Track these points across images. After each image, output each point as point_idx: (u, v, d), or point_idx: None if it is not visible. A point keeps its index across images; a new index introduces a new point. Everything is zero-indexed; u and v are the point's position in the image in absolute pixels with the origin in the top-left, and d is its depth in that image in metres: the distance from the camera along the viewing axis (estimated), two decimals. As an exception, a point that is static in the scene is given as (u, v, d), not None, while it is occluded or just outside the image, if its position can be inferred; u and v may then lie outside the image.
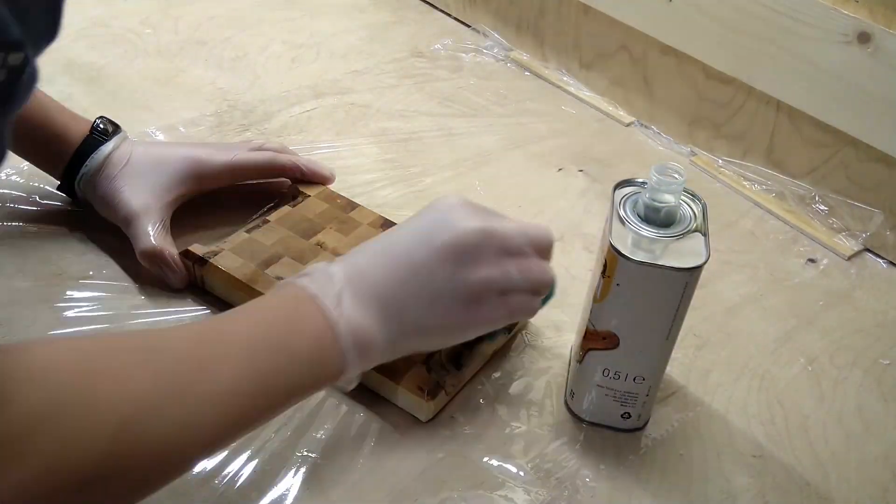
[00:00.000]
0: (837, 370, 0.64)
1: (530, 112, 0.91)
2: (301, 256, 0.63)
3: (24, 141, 0.64)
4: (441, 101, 0.91)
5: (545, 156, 0.84)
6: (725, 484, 0.54)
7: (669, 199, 0.50)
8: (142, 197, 0.63)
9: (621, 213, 0.50)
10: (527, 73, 0.98)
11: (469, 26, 1.06)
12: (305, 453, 0.53)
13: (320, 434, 0.54)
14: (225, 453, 0.52)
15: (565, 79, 0.96)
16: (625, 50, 0.89)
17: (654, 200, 0.50)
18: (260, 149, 0.71)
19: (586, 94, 0.95)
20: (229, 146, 0.71)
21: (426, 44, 1.02)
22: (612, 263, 0.49)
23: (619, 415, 0.56)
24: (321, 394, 0.56)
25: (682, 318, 0.51)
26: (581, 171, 0.83)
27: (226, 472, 0.51)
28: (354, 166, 0.79)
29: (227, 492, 0.50)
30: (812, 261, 0.75)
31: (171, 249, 0.62)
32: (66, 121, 0.65)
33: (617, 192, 0.52)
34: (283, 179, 0.72)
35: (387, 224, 0.67)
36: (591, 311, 0.52)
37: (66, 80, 0.85)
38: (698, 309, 0.68)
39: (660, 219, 0.50)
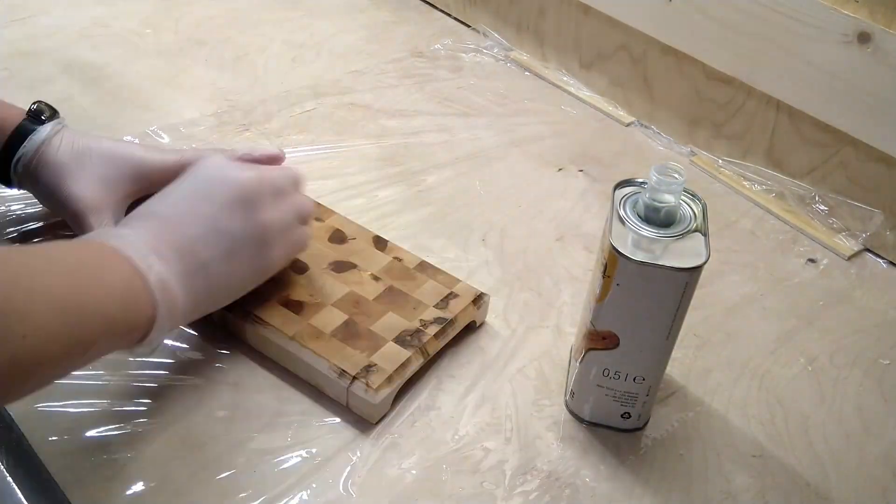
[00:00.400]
0: (837, 370, 0.64)
1: (530, 112, 0.91)
2: None
3: None
4: (441, 101, 0.91)
5: (545, 156, 0.84)
6: (725, 484, 0.54)
7: (669, 199, 0.50)
8: (92, 191, 0.60)
9: (621, 213, 0.50)
10: (527, 73, 0.98)
11: (469, 26, 1.06)
12: None
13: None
14: None
15: (565, 79, 0.96)
16: (625, 50, 0.89)
17: (654, 200, 0.50)
18: (251, 157, 0.64)
19: (586, 93, 0.95)
20: (174, 150, 0.67)
21: (426, 44, 1.02)
22: (613, 263, 0.49)
23: (619, 415, 0.56)
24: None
25: (682, 318, 0.51)
26: (581, 171, 0.83)
27: None
28: (354, 167, 0.79)
29: None
30: (812, 261, 0.75)
31: None
32: (1, 106, 0.62)
33: (617, 192, 0.52)
34: None
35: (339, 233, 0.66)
36: (591, 311, 0.52)
37: (66, 80, 0.85)
38: (698, 309, 0.68)
39: (660, 219, 0.50)
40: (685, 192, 0.52)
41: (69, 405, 0.53)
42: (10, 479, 0.52)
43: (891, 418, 0.60)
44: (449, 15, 1.08)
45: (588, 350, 0.53)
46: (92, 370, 0.55)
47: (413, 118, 0.88)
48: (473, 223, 0.74)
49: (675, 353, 0.63)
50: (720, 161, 0.85)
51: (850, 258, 0.75)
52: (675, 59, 0.85)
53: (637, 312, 0.50)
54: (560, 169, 0.83)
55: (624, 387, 0.54)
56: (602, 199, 0.79)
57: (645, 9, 0.85)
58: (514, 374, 0.60)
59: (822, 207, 0.78)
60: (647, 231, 0.49)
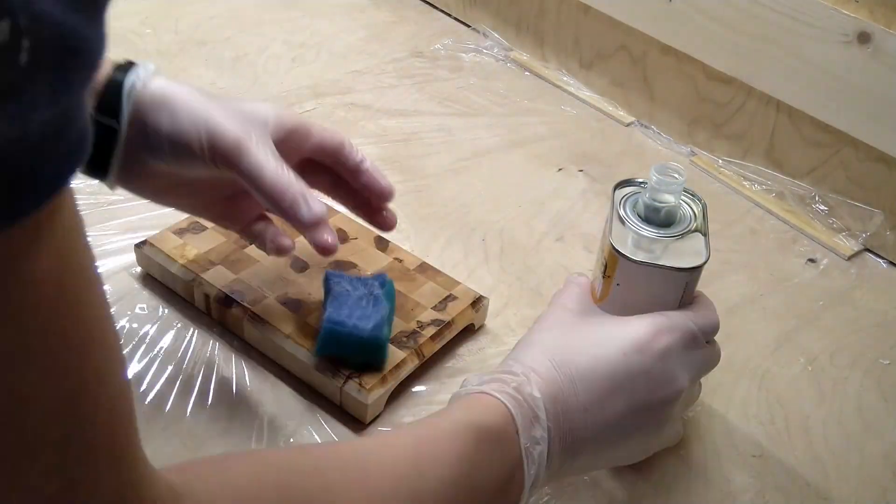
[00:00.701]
0: (837, 370, 0.64)
1: (530, 112, 0.91)
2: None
3: None
4: (441, 101, 0.91)
5: (545, 156, 0.84)
6: (725, 484, 0.54)
7: (669, 198, 0.50)
8: (238, 124, 0.47)
9: (621, 212, 0.50)
10: (527, 73, 0.98)
11: (469, 26, 1.06)
12: None
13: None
14: None
15: (565, 79, 0.96)
16: (625, 50, 0.89)
17: (654, 200, 0.50)
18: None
19: (586, 93, 0.95)
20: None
21: (426, 44, 1.02)
22: (613, 263, 0.49)
23: None
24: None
25: None
26: (581, 171, 0.83)
27: None
28: (354, 166, 0.79)
29: None
30: (812, 261, 0.75)
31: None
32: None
33: (617, 192, 0.52)
34: None
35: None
36: None
37: (65, 80, 0.85)
38: (698, 309, 0.68)
39: (660, 219, 0.50)
40: (685, 191, 0.52)
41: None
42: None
43: (891, 418, 0.60)
44: (449, 15, 1.08)
45: None
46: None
47: (413, 118, 0.88)
48: (473, 223, 0.74)
49: (675, 353, 0.63)
50: (720, 161, 0.85)
51: (850, 258, 0.75)
52: (676, 59, 0.85)
53: (637, 312, 0.50)
54: (560, 169, 0.83)
55: None
56: (602, 199, 0.79)
57: (645, 9, 0.85)
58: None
59: (823, 207, 0.78)
60: (648, 231, 0.49)
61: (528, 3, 0.98)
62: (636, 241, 0.49)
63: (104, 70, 0.48)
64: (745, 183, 0.83)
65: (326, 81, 0.92)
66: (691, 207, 0.52)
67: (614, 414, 0.46)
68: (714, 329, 0.50)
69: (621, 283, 0.49)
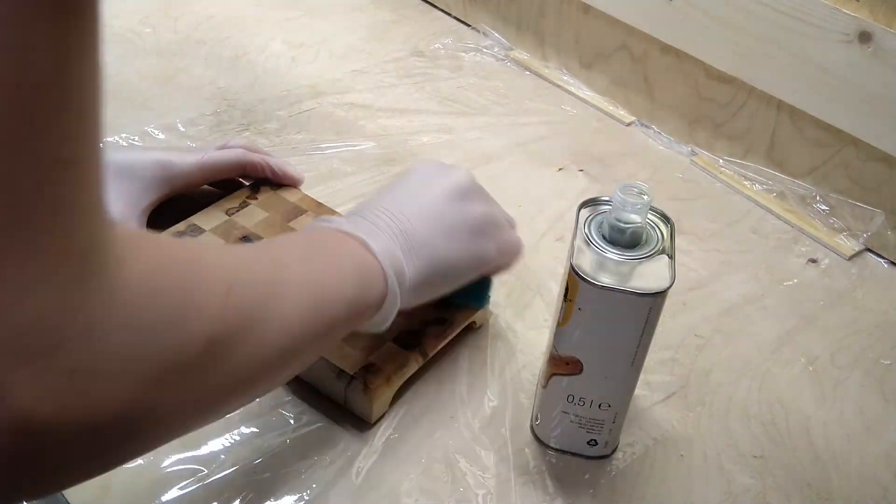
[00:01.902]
0: (838, 370, 0.64)
1: (530, 111, 0.91)
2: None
3: None
4: (441, 101, 0.91)
5: (545, 155, 0.84)
6: (726, 484, 0.54)
7: (635, 218, 0.47)
8: (115, 208, 0.61)
9: (585, 233, 0.48)
10: (527, 73, 0.98)
11: (469, 25, 1.06)
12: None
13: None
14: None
15: (565, 78, 0.96)
16: (625, 49, 0.89)
17: (618, 221, 0.48)
18: (224, 147, 0.69)
19: (587, 93, 0.94)
20: (194, 148, 0.70)
21: (426, 43, 1.01)
22: (574, 287, 0.47)
23: (585, 442, 0.54)
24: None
25: (647, 344, 0.49)
26: (581, 170, 0.83)
27: None
28: (354, 166, 0.79)
29: None
30: (813, 261, 0.75)
31: None
32: None
33: (582, 211, 0.50)
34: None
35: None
36: (553, 336, 0.50)
37: (65, 79, 0.85)
38: (698, 309, 0.68)
39: (625, 240, 0.48)
40: (653, 211, 0.50)
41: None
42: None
43: (892, 419, 0.60)
44: (449, 14, 1.08)
45: (552, 375, 0.52)
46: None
47: (413, 118, 0.87)
48: (473, 223, 0.74)
49: (676, 353, 0.63)
50: (721, 161, 0.84)
51: (851, 258, 0.75)
52: (676, 59, 0.85)
53: (600, 338, 0.49)
54: (560, 169, 0.83)
55: (589, 413, 0.52)
56: (602, 199, 0.78)
57: (645, 8, 0.84)
58: (514, 374, 0.60)
59: (823, 207, 0.78)
60: (611, 253, 0.47)
61: (529, 3, 0.98)
62: (599, 263, 0.47)
63: None
64: (745, 183, 0.83)
65: (326, 81, 0.91)
66: (659, 228, 0.49)
67: (420, 205, 0.53)
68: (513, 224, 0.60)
69: (583, 308, 0.47)
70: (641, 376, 0.52)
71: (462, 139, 0.85)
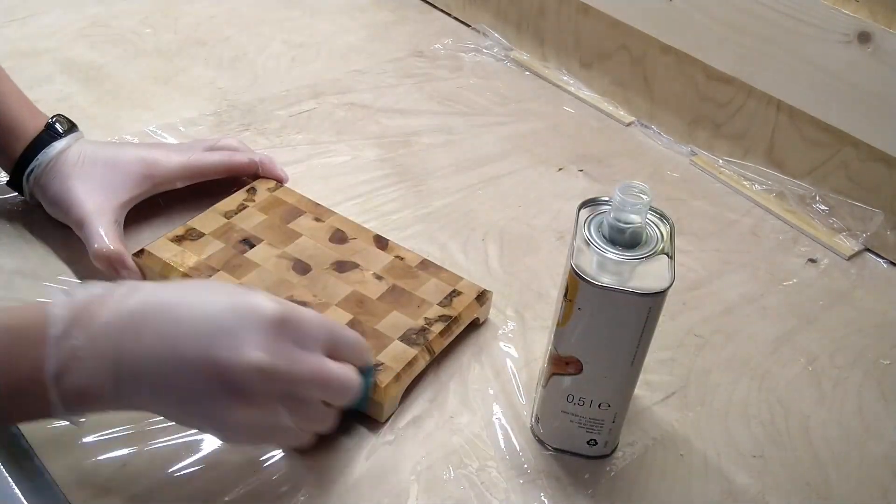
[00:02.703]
0: (838, 370, 0.64)
1: (530, 112, 0.91)
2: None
3: None
4: (441, 101, 0.91)
5: (545, 156, 0.84)
6: (726, 484, 0.54)
7: (634, 219, 0.47)
8: (95, 198, 0.62)
9: (585, 233, 0.48)
10: (527, 73, 0.98)
11: (469, 26, 1.06)
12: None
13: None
14: None
15: (565, 78, 0.96)
16: (625, 49, 0.89)
17: (618, 221, 0.48)
18: (215, 147, 0.70)
19: (586, 93, 0.94)
20: (185, 146, 0.71)
21: (426, 43, 1.01)
22: (574, 287, 0.47)
23: (584, 441, 0.54)
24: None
25: (647, 343, 0.49)
26: (581, 171, 0.83)
27: None
28: (354, 166, 0.79)
29: None
30: (812, 261, 0.75)
31: (124, 251, 0.61)
32: (23, 114, 0.64)
33: (582, 211, 0.50)
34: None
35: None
36: (553, 335, 0.50)
37: (64, 79, 0.85)
38: (698, 309, 0.68)
39: (624, 240, 0.48)
40: (653, 212, 0.50)
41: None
42: (9, 479, 0.52)
43: (891, 418, 0.60)
44: (449, 15, 1.08)
45: (552, 375, 0.52)
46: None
47: (413, 118, 0.87)
48: (473, 223, 0.74)
49: (675, 353, 0.63)
50: (720, 161, 0.84)
51: (850, 258, 0.75)
52: (676, 59, 0.85)
53: (600, 337, 0.49)
54: (560, 169, 0.83)
55: (589, 413, 0.52)
56: (602, 199, 0.79)
57: (645, 8, 0.84)
58: (514, 374, 0.60)
59: (823, 207, 0.78)
60: (611, 253, 0.47)
61: (529, 3, 0.98)
62: (599, 263, 0.47)
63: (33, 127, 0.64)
64: (745, 183, 0.83)
65: (326, 81, 0.92)
66: (659, 228, 0.49)
67: (172, 354, 0.42)
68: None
69: (583, 308, 0.47)
70: (641, 376, 0.52)
71: (462, 139, 0.85)
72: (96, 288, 0.45)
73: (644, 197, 0.47)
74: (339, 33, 1.01)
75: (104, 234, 0.61)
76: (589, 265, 0.47)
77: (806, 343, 0.66)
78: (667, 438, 0.57)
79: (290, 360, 0.44)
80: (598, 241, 0.48)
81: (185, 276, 0.60)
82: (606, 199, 0.50)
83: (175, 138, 0.79)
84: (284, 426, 0.45)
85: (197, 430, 0.50)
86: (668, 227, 0.50)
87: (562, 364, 0.51)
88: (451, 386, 0.58)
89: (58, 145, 0.64)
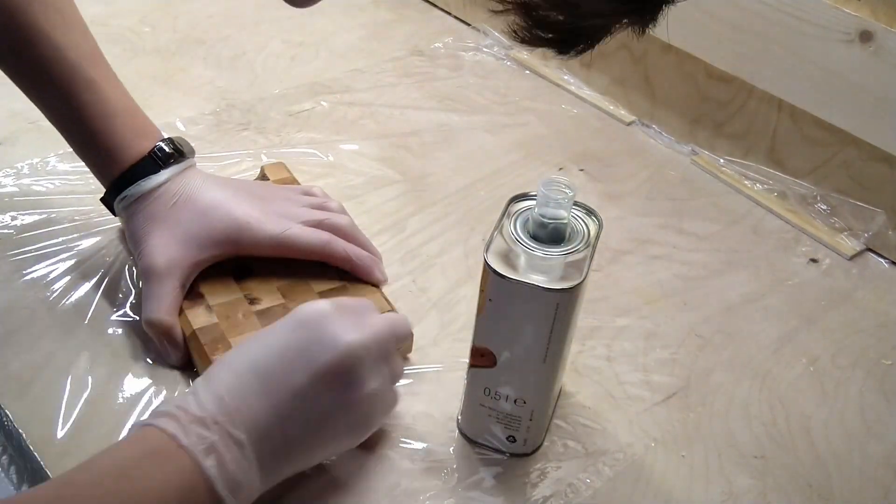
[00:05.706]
0: (839, 370, 0.64)
1: (530, 111, 0.91)
2: None
3: (80, 144, 0.60)
4: (441, 100, 0.91)
5: (545, 155, 0.84)
6: (727, 485, 0.54)
7: (556, 213, 0.47)
8: (170, 251, 0.57)
9: (505, 225, 0.48)
10: (527, 72, 0.98)
11: (469, 25, 1.06)
12: None
13: None
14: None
15: (566, 77, 0.96)
16: (625, 48, 0.89)
17: (541, 216, 0.47)
18: (319, 224, 0.62)
19: (587, 92, 0.94)
20: (286, 210, 0.62)
21: (426, 42, 1.01)
22: (485, 277, 0.47)
23: (504, 437, 0.53)
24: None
25: (561, 342, 0.49)
26: (581, 170, 0.82)
27: None
28: (354, 165, 0.79)
29: None
30: (814, 260, 0.75)
31: (175, 325, 0.56)
32: (126, 135, 0.59)
33: (511, 205, 0.50)
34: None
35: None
36: (474, 326, 0.50)
37: (64, 78, 0.85)
38: (699, 309, 0.67)
39: (546, 235, 0.47)
40: (583, 209, 0.50)
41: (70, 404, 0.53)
42: (9, 479, 0.52)
43: (893, 419, 0.60)
44: (449, 13, 1.08)
45: (470, 367, 0.51)
46: (90, 370, 0.55)
47: (413, 117, 0.87)
48: (474, 222, 0.74)
49: (676, 353, 0.63)
50: (721, 160, 0.84)
51: (852, 258, 0.75)
52: (677, 58, 0.85)
53: (510, 331, 0.48)
54: (560, 168, 0.82)
55: (506, 408, 0.52)
56: (603, 199, 0.78)
57: (646, 7, 0.84)
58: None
59: (824, 207, 0.78)
60: (527, 246, 0.47)
61: (529, 2, 0.97)
62: (514, 255, 0.47)
63: (138, 148, 0.60)
64: (746, 182, 0.82)
65: (326, 80, 0.91)
66: (586, 226, 0.49)
67: (287, 390, 0.45)
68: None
69: (493, 299, 0.47)
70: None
71: (461, 138, 0.85)
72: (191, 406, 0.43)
73: (568, 192, 0.47)
74: (338, 32, 1.01)
75: (161, 300, 0.56)
76: (501, 257, 0.47)
77: (807, 343, 0.66)
78: (668, 439, 0.57)
79: (364, 326, 0.48)
80: (516, 233, 0.48)
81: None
82: (535, 193, 0.50)
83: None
84: (389, 390, 0.50)
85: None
86: (597, 225, 0.49)
87: (477, 356, 0.50)
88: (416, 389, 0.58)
89: (155, 179, 0.58)
